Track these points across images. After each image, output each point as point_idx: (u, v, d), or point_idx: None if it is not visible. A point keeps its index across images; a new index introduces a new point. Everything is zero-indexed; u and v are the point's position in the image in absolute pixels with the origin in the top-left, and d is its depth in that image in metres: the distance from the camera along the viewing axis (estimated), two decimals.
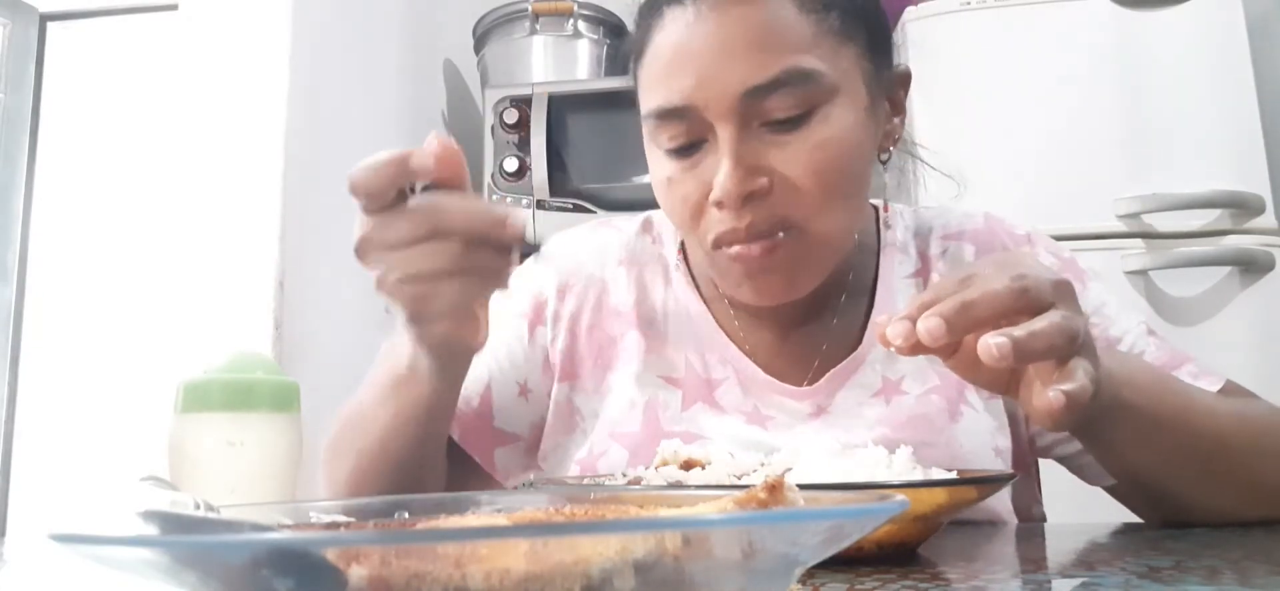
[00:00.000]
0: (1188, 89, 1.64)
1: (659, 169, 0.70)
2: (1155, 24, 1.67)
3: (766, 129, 0.65)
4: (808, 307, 0.76)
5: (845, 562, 0.46)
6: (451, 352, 0.60)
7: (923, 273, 0.78)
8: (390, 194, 0.50)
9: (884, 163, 0.75)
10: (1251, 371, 0.77)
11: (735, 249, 0.66)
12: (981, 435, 0.71)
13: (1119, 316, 0.75)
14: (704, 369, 0.76)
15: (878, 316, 0.72)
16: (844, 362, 0.74)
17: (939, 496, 0.48)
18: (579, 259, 0.82)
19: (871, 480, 0.50)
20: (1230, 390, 0.71)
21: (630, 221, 0.85)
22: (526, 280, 0.82)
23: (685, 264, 0.81)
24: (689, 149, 0.67)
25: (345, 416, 0.72)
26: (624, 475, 0.60)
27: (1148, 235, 1.61)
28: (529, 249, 1.94)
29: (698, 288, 0.80)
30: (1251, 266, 1.59)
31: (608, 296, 0.80)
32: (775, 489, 0.29)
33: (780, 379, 0.75)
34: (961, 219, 0.81)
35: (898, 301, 0.76)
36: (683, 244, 0.82)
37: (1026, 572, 0.47)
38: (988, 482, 0.51)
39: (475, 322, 0.55)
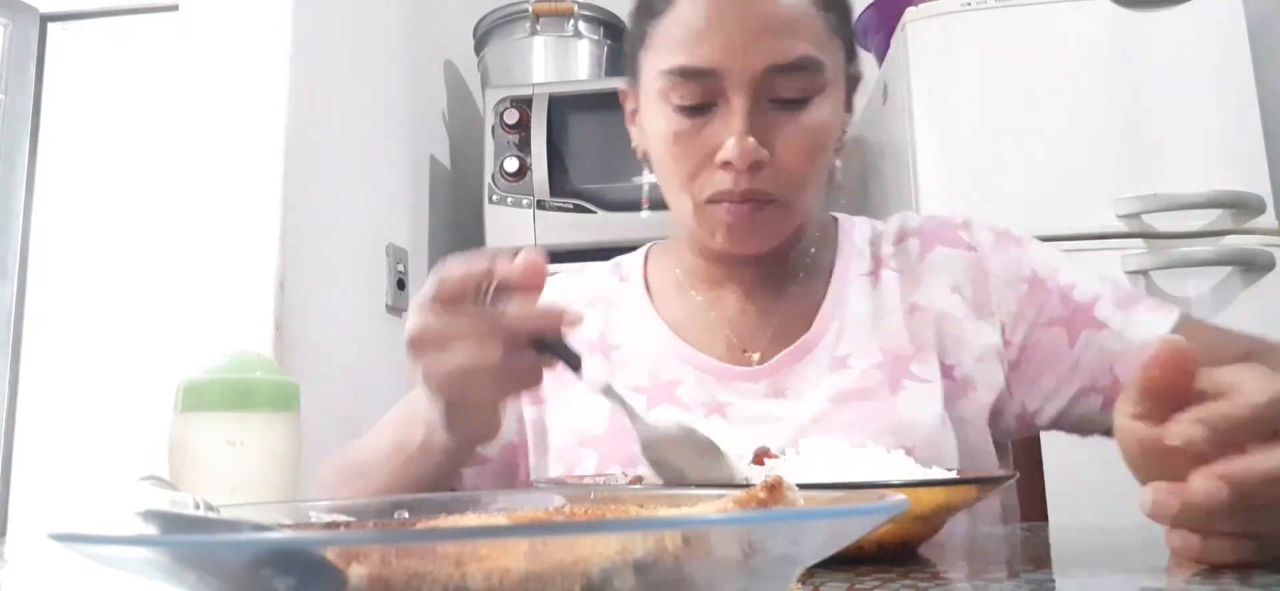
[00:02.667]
0: (1188, 89, 1.64)
1: (664, 123, 0.74)
2: (1155, 24, 1.67)
3: (771, 105, 0.72)
4: (766, 280, 0.82)
5: (846, 562, 0.46)
6: (469, 441, 0.65)
7: (875, 271, 0.83)
8: (469, 295, 0.55)
9: (836, 152, 0.81)
10: None
11: (726, 207, 0.73)
12: (926, 406, 0.74)
13: (1065, 266, 0.79)
14: (664, 371, 0.80)
15: (828, 304, 0.80)
16: (797, 343, 0.79)
17: (938, 495, 0.48)
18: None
19: (871, 479, 0.50)
20: (1186, 322, 0.76)
21: (600, 267, 0.92)
22: None
23: (646, 290, 0.87)
24: (698, 110, 0.73)
25: (348, 463, 0.78)
26: (624, 474, 0.61)
27: (1148, 235, 1.61)
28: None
29: (655, 308, 0.85)
30: (1251, 266, 1.59)
31: (578, 333, 0.84)
32: (775, 489, 0.30)
33: (735, 364, 0.80)
34: (907, 219, 0.86)
35: (849, 294, 0.81)
36: (645, 271, 0.89)
37: (1026, 572, 0.47)
38: (987, 482, 0.51)
39: (497, 421, 0.61)
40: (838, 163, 0.82)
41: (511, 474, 0.84)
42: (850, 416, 0.73)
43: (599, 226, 1.77)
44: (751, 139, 0.70)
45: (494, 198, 1.83)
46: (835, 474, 0.52)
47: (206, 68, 1.48)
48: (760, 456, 0.58)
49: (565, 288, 0.89)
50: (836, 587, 0.40)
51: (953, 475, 0.52)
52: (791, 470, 0.54)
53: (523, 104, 1.86)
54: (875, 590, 0.40)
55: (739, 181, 0.71)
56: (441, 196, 2.11)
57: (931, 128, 1.67)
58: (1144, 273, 1.59)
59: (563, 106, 1.86)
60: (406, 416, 0.71)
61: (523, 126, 1.85)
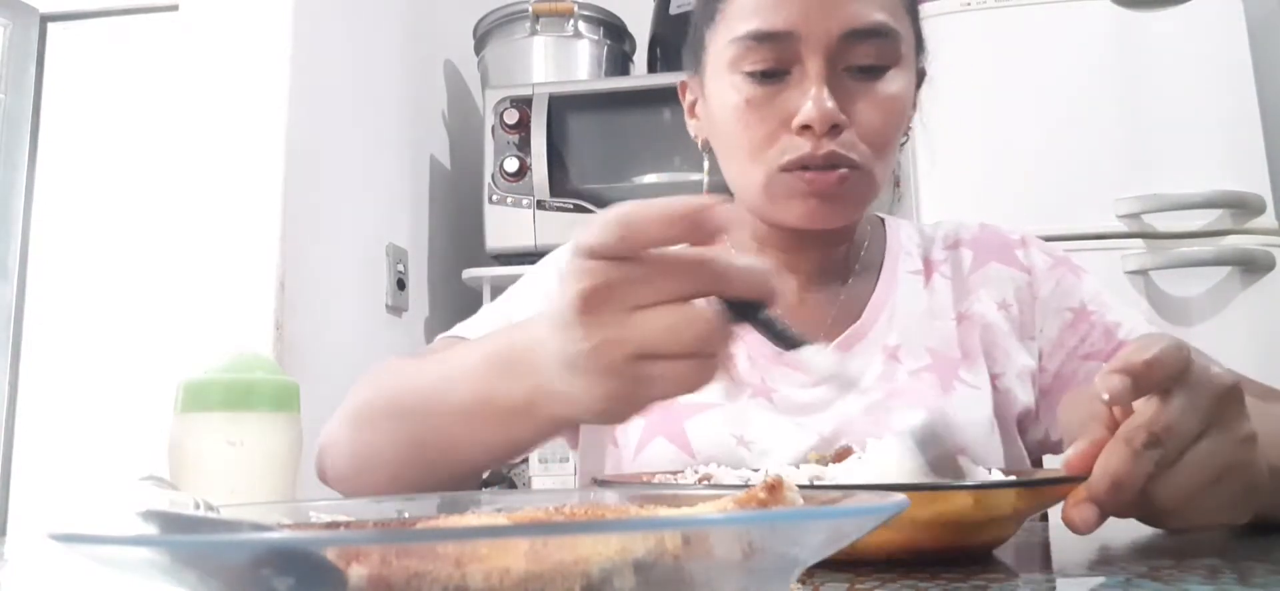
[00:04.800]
0: (1188, 89, 1.64)
1: (735, 92, 0.73)
2: (1155, 24, 1.67)
3: (846, 73, 0.71)
4: (823, 274, 0.82)
5: (910, 564, 0.46)
6: (613, 422, 0.51)
7: (926, 272, 0.83)
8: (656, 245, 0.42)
9: (901, 145, 0.81)
10: (1252, 372, 0.76)
11: (808, 174, 0.71)
12: (977, 409, 0.74)
13: (1115, 305, 0.80)
14: None
15: (878, 294, 0.81)
16: (848, 332, 0.79)
17: (1010, 498, 0.46)
18: None
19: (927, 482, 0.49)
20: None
21: None
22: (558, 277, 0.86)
23: None
24: (770, 76, 0.72)
25: (399, 389, 0.66)
26: (695, 471, 0.60)
27: (1148, 235, 1.61)
28: (530, 255, 1.94)
29: None
30: (1251, 266, 1.59)
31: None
32: (775, 489, 0.30)
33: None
34: (959, 228, 0.86)
35: (899, 289, 0.81)
36: None
37: (1027, 572, 0.47)
38: (1058, 483, 0.48)
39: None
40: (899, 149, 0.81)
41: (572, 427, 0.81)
42: (900, 411, 0.73)
43: None
44: (830, 101, 0.69)
45: (494, 198, 1.83)
46: (902, 474, 0.50)
47: (206, 68, 1.48)
48: (842, 454, 0.57)
49: None
50: (837, 588, 0.40)
51: (1009, 477, 0.50)
52: (864, 471, 0.53)
53: (523, 104, 1.86)
54: (875, 590, 0.40)
55: (820, 145, 0.70)
56: (441, 196, 2.11)
57: (932, 128, 1.67)
58: (1144, 272, 1.59)
59: (563, 106, 1.86)
60: (500, 363, 0.53)
61: (523, 126, 1.85)
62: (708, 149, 0.81)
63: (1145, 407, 0.47)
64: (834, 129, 0.70)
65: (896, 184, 0.88)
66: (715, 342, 0.42)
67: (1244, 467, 0.48)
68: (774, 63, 0.71)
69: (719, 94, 0.76)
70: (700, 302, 0.42)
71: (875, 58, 0.71)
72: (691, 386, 0.43)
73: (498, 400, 0.53)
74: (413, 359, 0.70)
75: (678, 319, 0.41)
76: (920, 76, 0.81)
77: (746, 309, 0.43)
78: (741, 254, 0.47)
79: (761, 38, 0.71)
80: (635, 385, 0.44)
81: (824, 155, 0.70)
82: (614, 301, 0.42)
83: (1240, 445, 0.48)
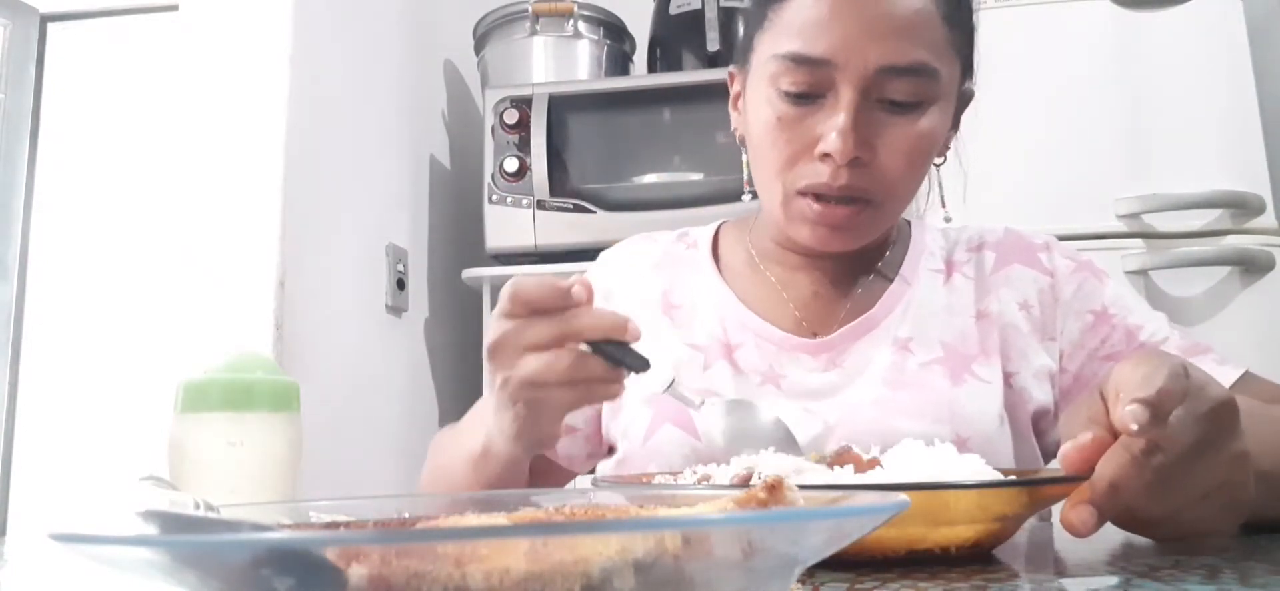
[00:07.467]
0: (1188, 89, 1.64)
1: (769, 107, 0.74)
2: (1155, 24, 1.67)
3: (880, 106, 0.72)
4: (842, 272, 0.83)
5: (917, 563, 0.46)
6: (531, 447, 0.66)
7: (947, 271, 0.84)
8: (539, 308, 0.59)
9: (938, 166, 0.83)
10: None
11: (819, 207, 0.73)
12: (987, 403, 0.75)
13: (1138, 307, 0.80)
14: (724, 334, 0.81)
15: (894, 289, 0.82)
16: (860, 319, 0.80)
17: (1022, 496, 0.47)
18: (622, 267, 0.90)
19: (941, 479, 0.49)
20: (1250, 379, 0.74)
21: (669, 234, 0.93)
22: None
23: (714, 261, 0.88)
24: (806, 98, 0.73)
25: (436, 464, 0.82)
26: (694, 471, 0.60)
27: (1148, 235, 1.61)
28: (530, 255, 1.93)
29: (723, 278, 0.87)
30: (1251, 266, 1.59)
31: (640, 293, 0.87)
32: (775, 489, 0.30)
33: (799, 337, 0.81)
34: (984, 232, 0.87)
35: (918, 284, 0.82)
36: (715, 244, 0.90)
37: (1027, 572, 0.47)
38: (1065, 482, 0.48)
39: (558, 431, 0.65)
40: (936, 169, 0.83)
41: (598, 438, 0.85)
42: (907, 400, 0.74)
43: (599, 226, 1.77)
44: (853, 134, 0.70)
45: (494, 198, 1.83)
46: (911, 474, 0.51)
47: (206, 68, 1.48)
48: (842, 457, 0.57)
49: (633, 251, 0.91)
50: (837, 588, 0.40)
51: (1029, 475, 0.51)
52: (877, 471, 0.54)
53: (523, 104, 1.86)
54: (875, 589, 0.40)
55: (837, 176, 0.71)
56: (441, 196, 2.11)
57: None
58: (1144, 272, 1.59)
59: (563, 106, 1.86)
60: (472, 421, 0.73)
61: (523, 126, 1.85)
62: (744, 144, 0.83)
63: None
64: (854, 161, 0.71)
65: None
66: (581, 373, 0.58)
67: (1233, 484, 0.49)
68: (809, 86, 0.72)
69: (756, 103, 0.77)
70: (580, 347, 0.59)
71: (910, 95, 0.71)
72: (571, 406, 0.62)
73: (469, 450, 0.71)
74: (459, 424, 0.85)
75: (551, 357, 0.58)
76: (966, 98, 0.81)
77: (602, 346, 0.59)
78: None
79: (800, 61, 0.72)
80: (530, 409, 0.61)
81: (840, 187, 0.72)
82: (509, 346, 0.59)
83: (1231, 462, 0.48)
